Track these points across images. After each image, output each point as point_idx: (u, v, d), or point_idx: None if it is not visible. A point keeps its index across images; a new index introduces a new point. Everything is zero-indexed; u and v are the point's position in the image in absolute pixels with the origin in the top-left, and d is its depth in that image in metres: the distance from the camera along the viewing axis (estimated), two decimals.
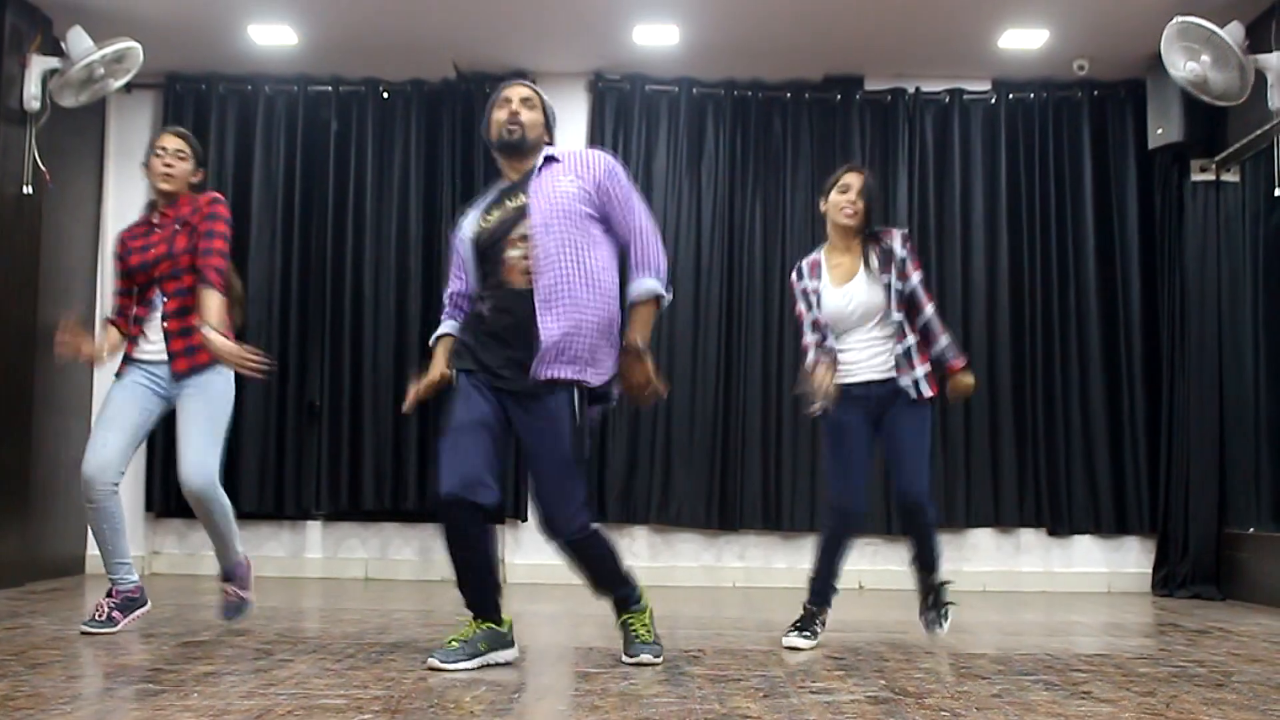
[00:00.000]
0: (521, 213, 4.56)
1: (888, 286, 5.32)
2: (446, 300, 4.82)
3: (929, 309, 5.38)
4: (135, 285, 5.47)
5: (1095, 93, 8.70)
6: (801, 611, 5.40)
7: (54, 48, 7.79)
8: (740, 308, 8.59)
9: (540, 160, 4.70)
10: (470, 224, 4.73)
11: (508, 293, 4.50)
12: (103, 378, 8.60)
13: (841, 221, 5.40)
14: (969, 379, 5.45)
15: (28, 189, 7.68)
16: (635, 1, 7.68)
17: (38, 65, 7.68)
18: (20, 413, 7.68)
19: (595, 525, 4.67)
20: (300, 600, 7.23)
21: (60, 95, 7.72)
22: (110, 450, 5.46)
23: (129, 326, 5.52)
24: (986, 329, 8.51)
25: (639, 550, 8.48)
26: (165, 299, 5.41)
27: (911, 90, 8.76)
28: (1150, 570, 8.38)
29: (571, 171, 4.66)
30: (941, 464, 8.36)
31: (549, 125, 4.83)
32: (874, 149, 8.72)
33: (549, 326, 4.42)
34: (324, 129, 8.81)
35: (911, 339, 5.33)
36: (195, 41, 8.28)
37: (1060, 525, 8.43)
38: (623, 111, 8.76)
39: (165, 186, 5.46)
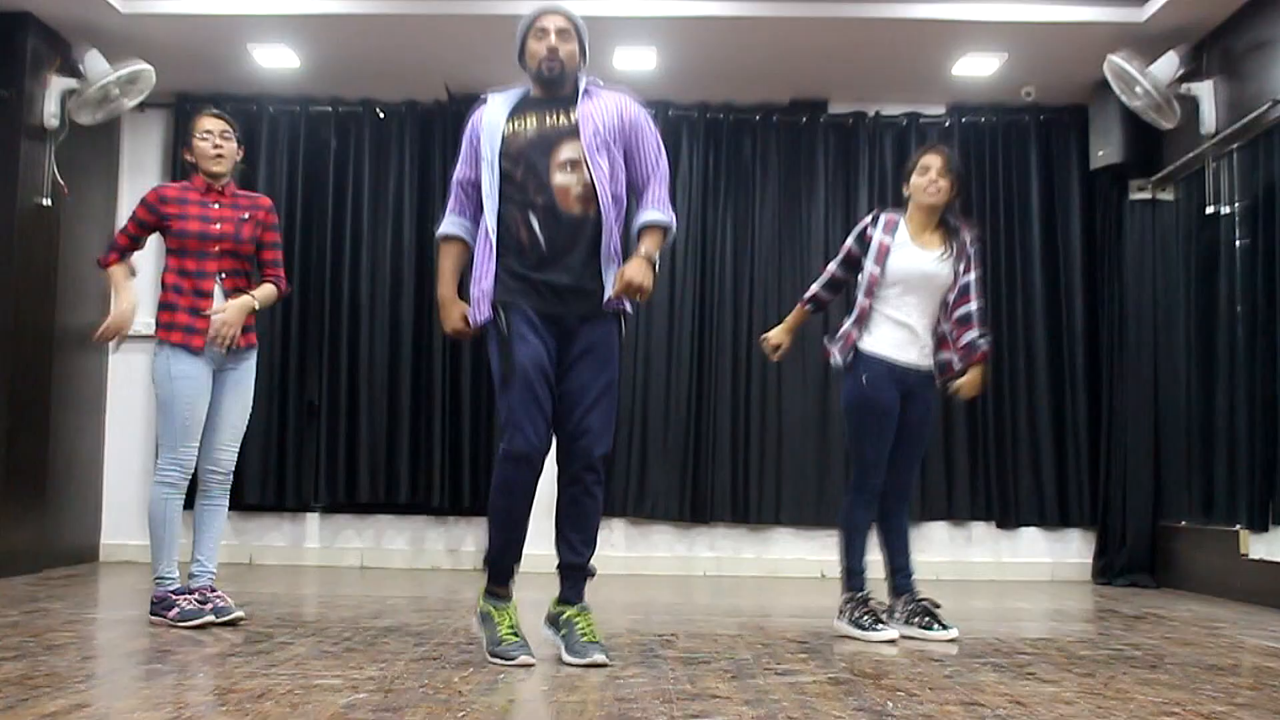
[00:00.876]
0: (566, 134, 4.28)
1: (955, 271, 5.15)
2: (455, 188, 4.46)
3: (978, 301, 5.20)
4: (174, 250, 5.17)
5: (1042, 117, 8.73)
6: (877, 605, 5.16)
7: (72, 69, 7.76)
8: (712, 316, 8.59)
9: (582, 86, 4.45)
10: (496, 121, 4.32)
11: (563, 218, 4.20)
12: (117, 377, 8.61)
13: (927, 201, 5.17)
14: (978, 376, 5.21)
15: (47, 201, 7.65)
16: (616, 27, 7.69)
17: (57, 85, 7.66)
18: (39, 409, 7.65)
19: None
20: (299, 587, 7.22)
21: (78, 114, 7.70)
22: (215, 438, 5.31)
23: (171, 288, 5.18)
24: None
25: (616, 541, 8.48)
26: (223, 277, 5.19)
27: (872, 113, 8.78)
28: (1091, 560, 8.41)
29: (611, 106, 4.43)
30: None
31: (584, 51, 4.51)
32: (837, 169, 8.74)
33: (613, 256, 4.28)
34: (324, 147, 8.79)
35: (945, 325, 5.18)
36: (203, 64, 8.26)
37: (1008, 518, 8.46)
38: None
39: (218, 168, 5.23)
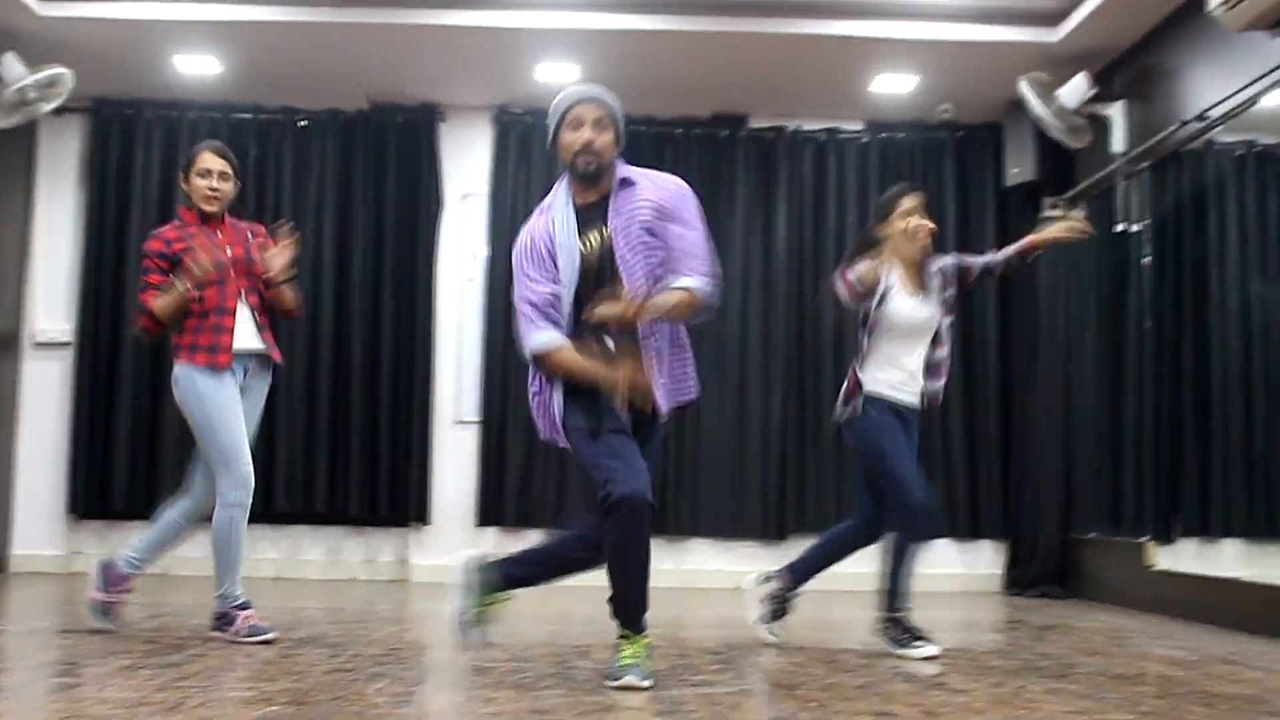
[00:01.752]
0: (609, 248, 4.11)
1: (943, 300, 5.17)
2: (539, 303, 4.15)
3: (978, 259, 5.30)
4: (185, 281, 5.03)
5: (958, 134, 8.83)
6: (910, 621, 5.12)
7: None
8: None
9: (616, 182, 4.23)
10: (569, 237, 4.14)
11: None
12: (29, 385, 8.47)
13: (917, 246, 5.13)
14: (1053, 230, 5.44)
15: None
16: (538, 41, 7.69)
17: None
18: None
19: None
20: (213, 598, 7.11)
21: None
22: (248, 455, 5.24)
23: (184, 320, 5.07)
24: None
25: None
26: (247, 294, 5.13)
27: (792, 129, 8.84)
28: (1002, 571, 8.51)
29: (647, 196, 4.22)
30: (815, 473, 8.44)
31: (620, 138, 4.29)
32: (757, 183, 8.78)
33: (658, 374, 4.18)
34: (244, 155, 8.69)
35: (932, 356, 5.18)
36: (123, 69, 8.16)
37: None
38: (524, 143, 8.74)
39: (210, 209, 5.16)
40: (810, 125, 8.86)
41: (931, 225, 5.17)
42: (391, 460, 8.49)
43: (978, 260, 5.31)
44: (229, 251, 5.15)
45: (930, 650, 4.96)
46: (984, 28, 7.52)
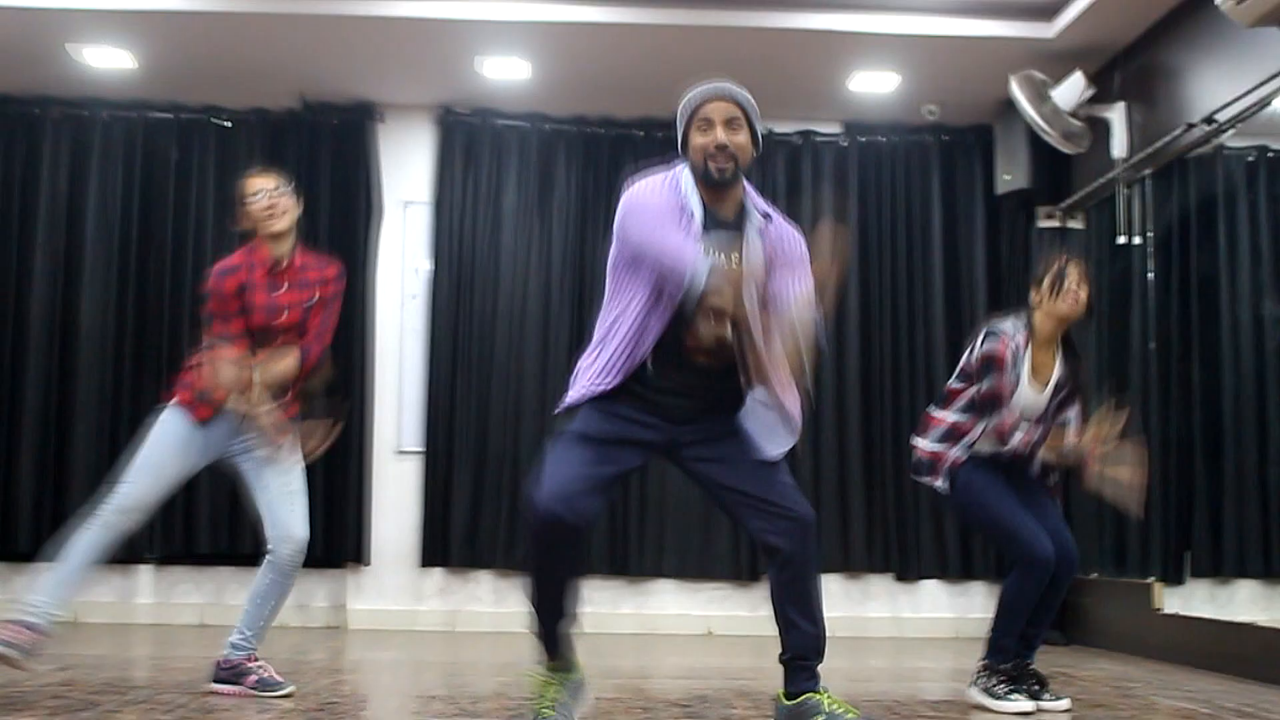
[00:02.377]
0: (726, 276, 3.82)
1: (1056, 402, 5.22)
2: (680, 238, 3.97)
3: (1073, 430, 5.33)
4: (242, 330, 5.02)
5: (945, 137, 8.86)
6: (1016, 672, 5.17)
7: None
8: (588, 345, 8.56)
9: (749, 199, 4.17)
10: (697, 223, 4.04)
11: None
12: None
13: (1066, 312, 5.14)
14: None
15: None
16: (484, 34, 7.66)
17: None
18: None
19: None
20: (129, 648, 7.05)
21: None
22: (154, 492, 5.26)
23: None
24: (835, 372, 8.56)
25: (483, 596, 8.41)
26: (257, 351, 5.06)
27: (763, 131, 8.81)
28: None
29: (780, 241, 4.21)
30: None
31: (756, 139, 4.19)
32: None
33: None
34: (163, 157, 8.65)
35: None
36: (25, 63, 8.07)
37: (908, 571, 8.52)
38: (472, 146, 8.72)
39: (278, 227, 5.00)
40: (783, 127, 8.86)
41: (1085, 293, 5.20)
42: (326, 494, 8.39)
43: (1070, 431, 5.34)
44: (285, 316, 5.09)
45: (1025, 705, 4.97)
46: (972, 21, 7.54)
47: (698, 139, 4.07)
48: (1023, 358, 5.10)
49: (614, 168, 8.77)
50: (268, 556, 5.22)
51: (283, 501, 5.19)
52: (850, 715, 3.92)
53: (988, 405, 5.04)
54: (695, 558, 8.44)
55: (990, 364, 5.03)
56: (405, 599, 8.47)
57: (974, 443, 5.12)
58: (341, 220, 8.62)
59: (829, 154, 8.87)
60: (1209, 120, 6.62)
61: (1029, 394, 5.12)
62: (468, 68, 8.11)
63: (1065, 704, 5.05)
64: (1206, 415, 6.72)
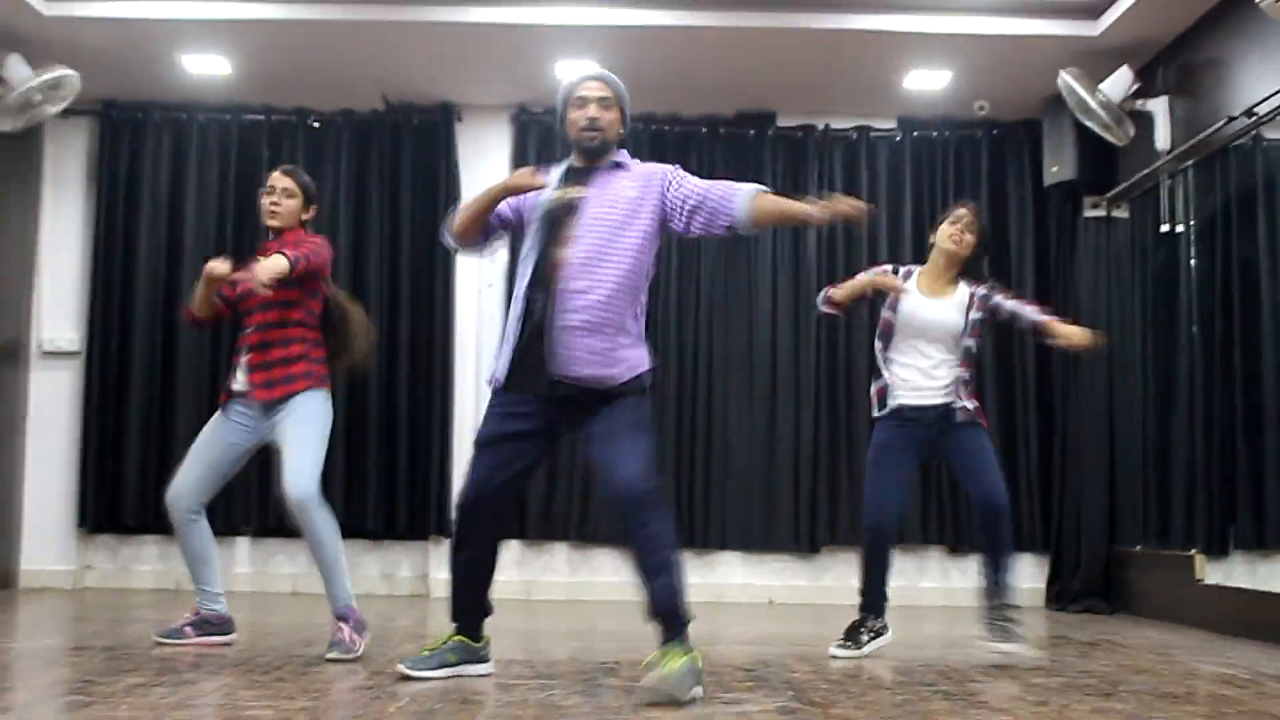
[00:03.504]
0: (573, 204, 4.35)
1: (969, 319, 5.51)
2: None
3: (1010, 301, 5.64)
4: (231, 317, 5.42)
5: (994, 132, 8.82)
6: (850, 623, 5.60)
7: None
8: (655, 333, 8.58)
9: (609, 162, 4.48)
10: (550, 190, 4.43)
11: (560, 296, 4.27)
12: (38, 397, 8.53)
13: (948, 248, 5.54)
14: (1070, 330, 5.61)
15: None
16: (558, 38, 7.70)
17: None
18: None
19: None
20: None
21: None
22: (186, 480, 5.52)
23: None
24: None
25: (558, 566, 8.47)
26: (248, 331, 5.32)
27: (821, 127, 8.83)
28: (1044, 586, 8.46)
29: (636, 176, 4.46)
30: (848, 484, 8.41)
31: (624, 119, 4.55)
32: (785, 183, 8.76)
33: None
34: (256, 157, 8.74)
35: (967, 373, 5.50)
36: (131, 70, 8.21)
37: (960, 544, 8.50)
38: (545, 143, 8.75)
39: (271, 223, 5.36)
40: (841, 123, 8.85)
41: (965, 236, 5.57)
42: (410, 471, 8.50)
43: (1006, 304, 5.63)
44: (241, 286, 5.34)
45: (839, 652, 5.44)
46: (1021, 21, 7.50)
47: (573, 114, 4.47)
48: (911, 275, 5.58)
49: (679, 161, 8.69)
50: None
51: (285, 450, 5.36)
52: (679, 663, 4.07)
53: (883, 333, 5.57)
54: (758, 531, 8.46)
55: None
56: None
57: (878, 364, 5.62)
58: (423, 214, 8.68)
59: (884, 149, 8.85)
60: (1249, 113, 6.56)
61: (929, 306, 5.49)
62: (542, 70, 8.15)
63: (1017, 648, 5.37)
64: (1248, 395, 6.66)
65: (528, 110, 8.79)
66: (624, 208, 4.36)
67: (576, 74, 4.58)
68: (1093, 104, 7.40)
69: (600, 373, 4.26)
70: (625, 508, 4.16)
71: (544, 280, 4.28)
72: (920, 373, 5.47)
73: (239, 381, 5.36)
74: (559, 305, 4.23)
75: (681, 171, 4.50)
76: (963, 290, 5.56)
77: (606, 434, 4.26)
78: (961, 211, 5.61)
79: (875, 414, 5.57)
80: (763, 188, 4.36)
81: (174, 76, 8.30)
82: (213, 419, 5.46)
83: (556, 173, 4.52)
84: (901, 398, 5.46)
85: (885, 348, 5.56)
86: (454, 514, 4.47)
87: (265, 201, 5.36)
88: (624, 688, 4.35)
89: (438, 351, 8.55)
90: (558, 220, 4.34)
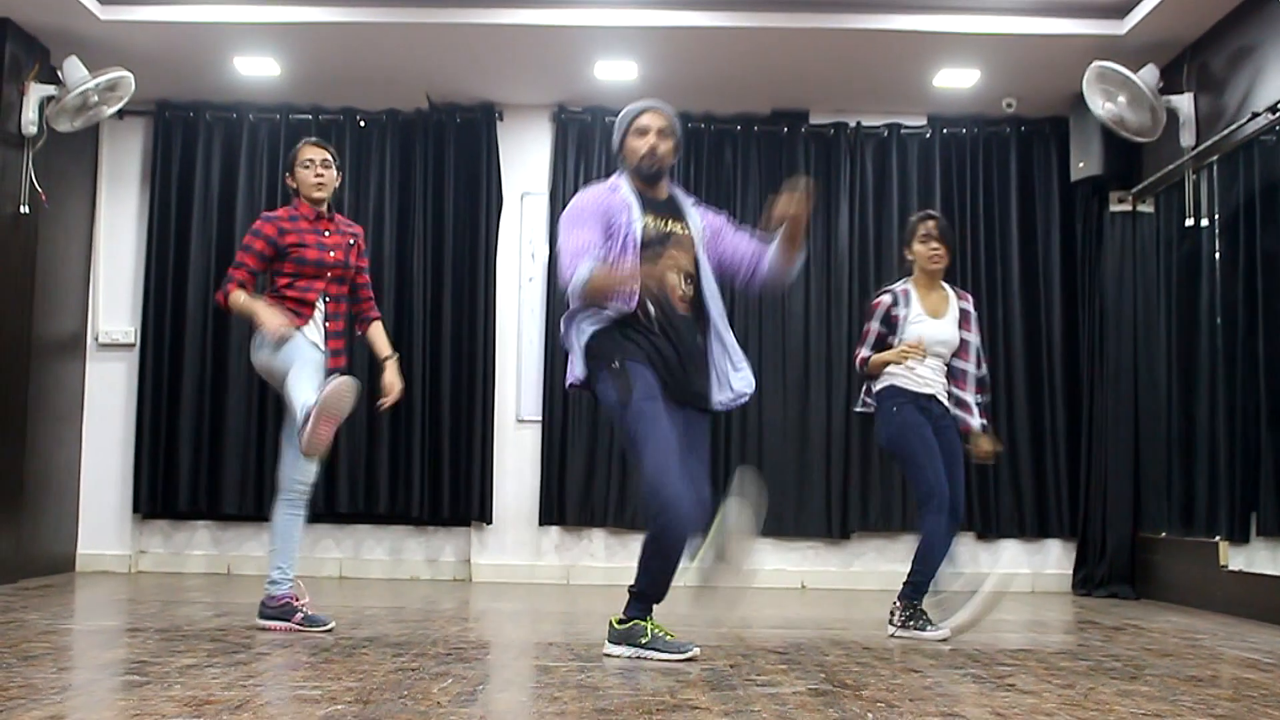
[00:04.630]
0: (681, 243, 4.67)
1: (962, 336, 5.75)
2: (587, 250, 4.57)
3: (984, 368, 5.89)
4: (289, 274, 5.33)
5: (1022, 128, 8.77)
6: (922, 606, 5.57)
7: (51, 76, 7.74)
8: None
9: (675, 190, 4.92)
10: (635, 212, 4.66)
11: (677, 318, 4.65)
12: (94, 386, 8.59)
13: (930, 269, 5.73)
14: (983, 446, 5.80)
15: (25, 208, 7.62)
16: (597, 40, 7.70)
17: (35, 92, 7.63)
18: (15, 417, 7.61)
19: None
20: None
21: (56, 121, 7.66)
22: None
23: (273, 301, 5.30)
24: None
25: (596, 551, 8.48)
26: (329, 301, 5.40)
27: (853, 124, 8.80)
28: (1070, 571, 8.43)
29: (697, 210, 4.92)
30: (880, 472, 8.39)
31: (678, 147, 4.85)
32: (818, 179, 8.72)
33: (723, 365, 4.75)
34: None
35: (950, 386, 5.73)
36: (184, 72, 8.25)
37: (988, 530, 8.46)
38: (584, 141, 8.76)
39: (319, 195, 5.44)
40: (872, 121, 8.82)
41: (942, 251, 5.75)
42: (453, 459, 8.52)
43: (985, 382, 5.94)
44: (332, 255, 5.41)
45: (942, 634, 5.43)
46: (1048, 20, 7.46)
47: (634, 141, 4.75)
48: (910, 299, 5.70)
49: (715, 159, 8.78)
50: None
51: None
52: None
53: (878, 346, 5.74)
54: (791, 517, 8.44)
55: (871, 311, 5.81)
56: (525, 554, 8.55)
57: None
58: (466, 210, 8.71)
59: (914, 145, 8.81)
60: (1273, 109, 6.50)
61: (934, 327, 5.67)
62: (582, 70, 8.15)
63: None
64: (1271, 385, 6.61)
65: (567, 109, 8.78)
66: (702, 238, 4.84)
67: (637, 104, 4.82)
68: (1140, 84, 7.27)
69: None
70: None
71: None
72: (933, 377, 5.67)
73: (316, 337, 5.36)
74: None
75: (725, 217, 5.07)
76: (953, 301, 5.81)
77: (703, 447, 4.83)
78: (929, 226, 5.74)
79: (883, 403, 5.67)
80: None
81: (225, 78, 8.34)
82: (294, 344, 5.23)
83: (630, 193, 4.71)
84: (908, 386, 5.62)
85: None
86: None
87: (307, 175, 5.44)
88: (659, 669, 4.34)
89: (480, 343, 8.56)
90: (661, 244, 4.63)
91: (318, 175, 5.43)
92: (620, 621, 4.65)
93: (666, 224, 4.70)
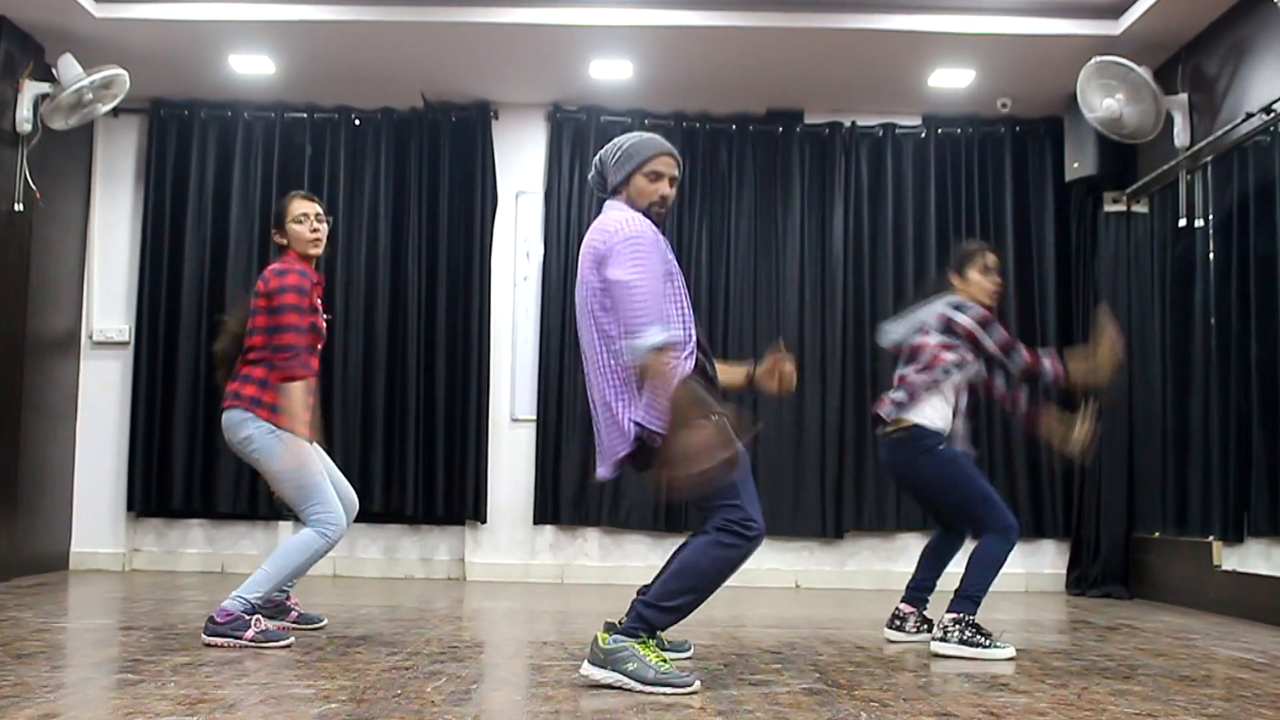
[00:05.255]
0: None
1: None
2: (656, 299, 4.07)
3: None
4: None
5: (1017, 129, 8.77)
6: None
7: (46, 74, 7.72)
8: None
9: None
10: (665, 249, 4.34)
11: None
12: (88, 384, 8.58)
13: (989, 303, 5.55)
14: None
15: (19, 206, 7.61)
16: (592, 39, 7.69)
17: (30, 90, 7.61)
18: (9, 415, 7.59)
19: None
20: (308, 595, 7.16)
21: (51, 118, 7.65)
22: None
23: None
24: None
25: (590, 551, 8.47)
26: (311, 371, 5.16)
27: (848, 124, 8.80)
28: (1065, 571, 8.43)
29: None
30: (874, 471, 8.39)
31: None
32: (813, 179, 8.75)
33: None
34: (299, 153, 8.76)
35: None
36: (179, 69, 8.24)
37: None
38: (579, 141, 8.75)
39: (316, 251, 5.23)
40: (867, 120, 8.82)
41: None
42: (448, 459, 8.52)
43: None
44: (321, 321, 5.27)
45: (1010, 651, 5.02)
46: (1043, 21, 7.46)
47: (646, 184, 4.38)
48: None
49: (710, 158, 8.77)
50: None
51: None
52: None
53: (959, 366, 5.42)
54: (786, 517, 8.43)
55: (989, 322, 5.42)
56: (519, 554, 8.55)
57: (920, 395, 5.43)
58: (461, 209, 8.70)
59: (909, 145, 8.81)
60: (1267, 110, 6.51)
61: None
62: (577, 69, 8.14)
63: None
64: (1263, 386, 6.62)
65: (562, 109, 8.78)
66: None
67: (649, 142, 4.42)
68: (1142, 74, 7.25)
69: None
70: None
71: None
72: (953, 414, 5.48)
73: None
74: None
75: None
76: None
77: None
78: (993, 260, 5.61)
79: (923, 440, 5.35)
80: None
81: (220, 76, 8.33)
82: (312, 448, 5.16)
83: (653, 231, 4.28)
84: (938, 427, 5.38)
85: (953, 384, 5.43)
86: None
87: (304, 230, 5.19)
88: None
89: (475, 342, 8.55)
90: None
91: (314, 230, 5.20)
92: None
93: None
